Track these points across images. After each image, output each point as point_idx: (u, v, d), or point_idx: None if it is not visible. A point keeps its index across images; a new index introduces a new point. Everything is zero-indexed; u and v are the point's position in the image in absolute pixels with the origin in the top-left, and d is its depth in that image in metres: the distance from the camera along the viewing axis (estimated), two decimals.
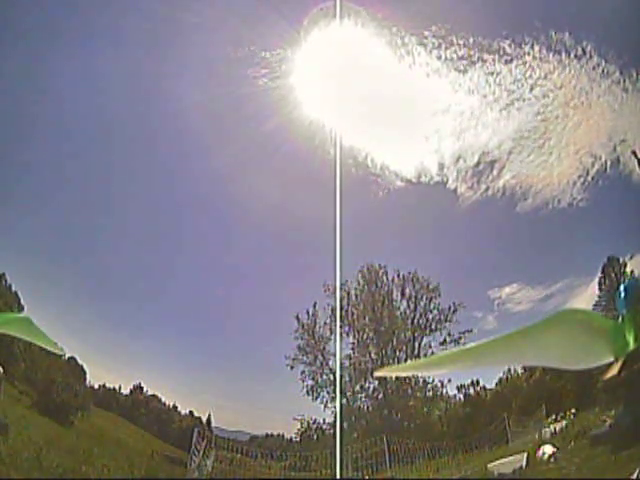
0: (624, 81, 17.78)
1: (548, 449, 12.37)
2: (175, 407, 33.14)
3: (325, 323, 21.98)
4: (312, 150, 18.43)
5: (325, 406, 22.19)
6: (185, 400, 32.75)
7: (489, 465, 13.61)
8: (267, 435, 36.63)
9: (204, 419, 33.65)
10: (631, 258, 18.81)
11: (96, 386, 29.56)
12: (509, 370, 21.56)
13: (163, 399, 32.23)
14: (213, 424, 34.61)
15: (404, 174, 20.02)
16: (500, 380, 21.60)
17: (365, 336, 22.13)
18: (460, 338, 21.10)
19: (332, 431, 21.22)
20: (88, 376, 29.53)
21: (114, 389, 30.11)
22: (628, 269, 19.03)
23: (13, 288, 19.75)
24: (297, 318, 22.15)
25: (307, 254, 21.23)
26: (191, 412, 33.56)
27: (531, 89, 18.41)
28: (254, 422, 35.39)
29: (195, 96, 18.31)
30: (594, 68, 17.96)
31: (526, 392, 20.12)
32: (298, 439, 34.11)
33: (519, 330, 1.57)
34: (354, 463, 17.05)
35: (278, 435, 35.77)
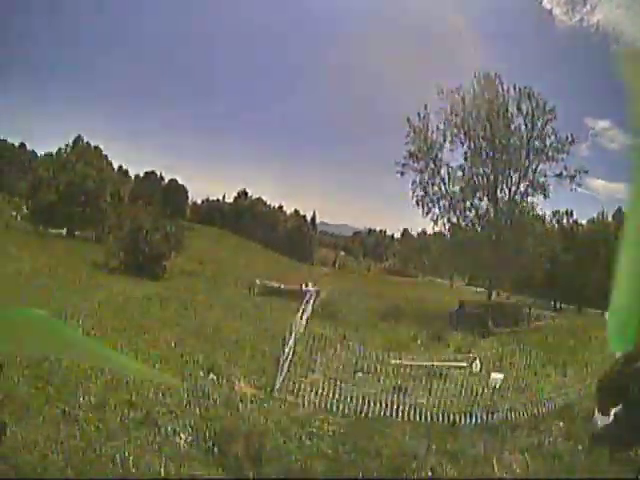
0: None
1: None
2: (280, 207, 33.52)
3: (438, 128, 19.74)
4: None
5: (435, 222, 20.54)
6: (290, 196, 33.70)
7: None
8: (370, 230, 37.13)
9: (309, 217, 34.09)
10: None
11: (199, 201, 30.35)
12: None
13: (268, 202, 32.50)
14: (318, 220, 35.23)
15: None
16: None
17: (479, 145, 19.52)
18: (574, 176, 19.39)
19: None
20: (190, 194, 30.05)
21: (217, 200, 30.76)
22: None
23: None
24: (408, 120, 19.88)
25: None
26: (296, 211, 33.90)
27: None
28: (357, 217, 35.71)
29: None
30: None
31: None
32: (399, 237, 33.88)
33: None
34: None
35: (380, 231, 35.89)
